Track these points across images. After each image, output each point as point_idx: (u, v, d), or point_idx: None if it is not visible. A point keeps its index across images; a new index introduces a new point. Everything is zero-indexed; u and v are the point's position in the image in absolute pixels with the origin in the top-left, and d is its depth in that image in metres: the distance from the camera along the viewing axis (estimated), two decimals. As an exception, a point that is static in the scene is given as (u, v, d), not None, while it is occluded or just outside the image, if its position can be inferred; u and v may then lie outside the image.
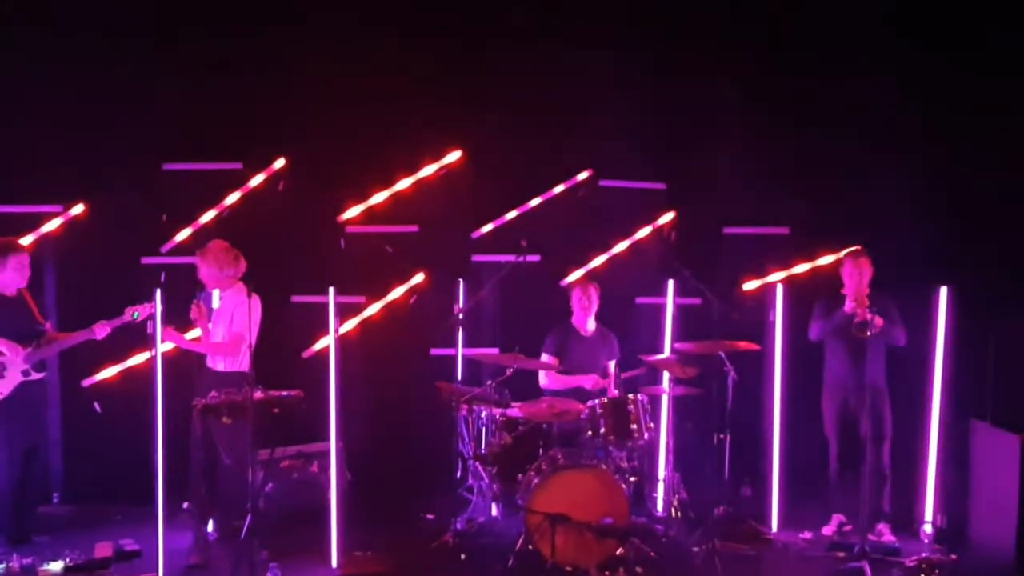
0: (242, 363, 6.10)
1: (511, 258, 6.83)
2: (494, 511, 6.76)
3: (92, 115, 7.10)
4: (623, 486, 6.01)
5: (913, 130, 7.42)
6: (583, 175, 7.84)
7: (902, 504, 6.65)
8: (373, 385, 7.36)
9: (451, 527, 6.35)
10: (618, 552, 5.89)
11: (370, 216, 7.68)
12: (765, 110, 7.58)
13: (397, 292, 7.65)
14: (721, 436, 6.67)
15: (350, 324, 7.42)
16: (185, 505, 6.36)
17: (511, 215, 7.76)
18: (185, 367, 6.32)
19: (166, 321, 5.82)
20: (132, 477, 6.36)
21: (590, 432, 6.41)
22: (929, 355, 6.53)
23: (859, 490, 6.15)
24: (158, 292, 5.68)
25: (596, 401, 6.46)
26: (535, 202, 7.80)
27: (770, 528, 6.68)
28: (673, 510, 6.72)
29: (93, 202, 7.25)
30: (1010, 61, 7.31)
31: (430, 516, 6.89)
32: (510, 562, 5.89)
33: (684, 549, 6.22)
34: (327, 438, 6.02)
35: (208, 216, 7.41)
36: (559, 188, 7.82)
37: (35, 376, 6.22)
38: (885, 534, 6.46)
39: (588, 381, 6.87)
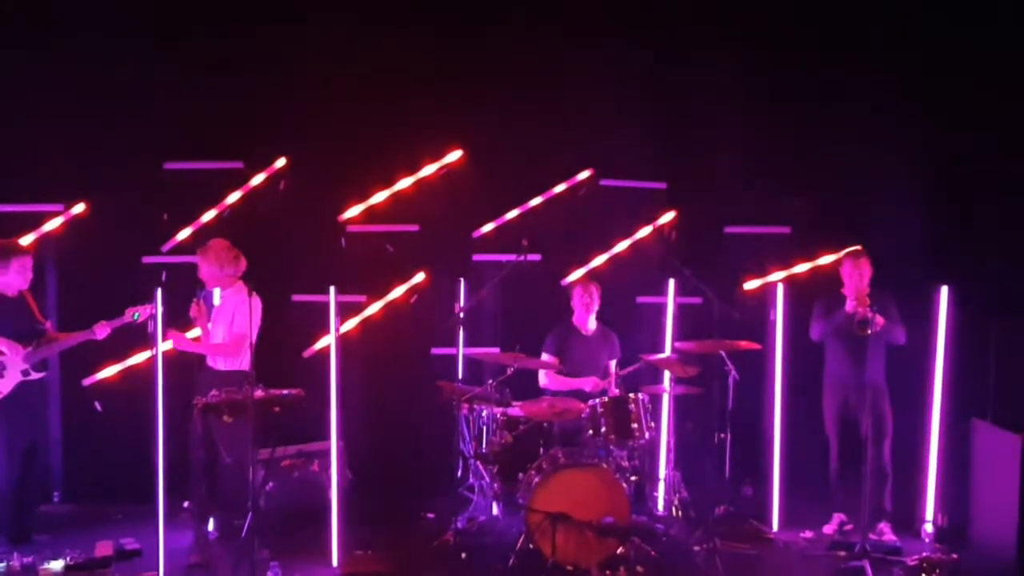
0: (242, 362, 6.10)
1: (512, 257, 6.82)
2: (495, 510, 6.75)
3: (93, 114, 7.10)
4: (624, 485, 6.00)
5: (914, 129, 7.42)
6: (584, 174, 7.84)
7: (903, 503, 6.65)
8: (374, 384, 7.36)
9: (452, 526, 6.34)
10: (619, 551, 5.89)
11: (371, 215, 7.68)
12: (766, 109, 7.57)
13: (398, 291, 7.65)
14: (722, 435, 6.68)
15: (351, 323, 7.43)
16: (186, 504, 6.36)
17: (512, 214, 7.77)
18: (186, 366, 6.34)
19: (168, 322, 5.82)
20: (133, 476, 6.36)
21: (591, 431, 6.41)
22: (930, 354, 6.53)
23: (860, 489, 6.15)
24: (159, 291, 5.69)
25: (597, 400, 6.46)
26: (536, 201, 7.80)
27: (771, 527, 6.68)
28: (674, 509, 6.73)
29: (94, 201, 7.25)
30: (1012, 63, 7.30)
31: (431, 515, 6.89)
32: (511, 561, 5.89)
33: (685, 548, 6.22)
34: (328, 437, 6.02)
35: (209, 215, 7.41)
36: (560, 187, 7.83)
37: (35, 376, 6.22)
38: (886, 533, 6.46)
39: (588, 384, 6.86)
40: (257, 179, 7.53)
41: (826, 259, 7.51)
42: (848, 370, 6.49)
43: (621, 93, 7.61)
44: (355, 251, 7.59)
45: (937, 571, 5.88)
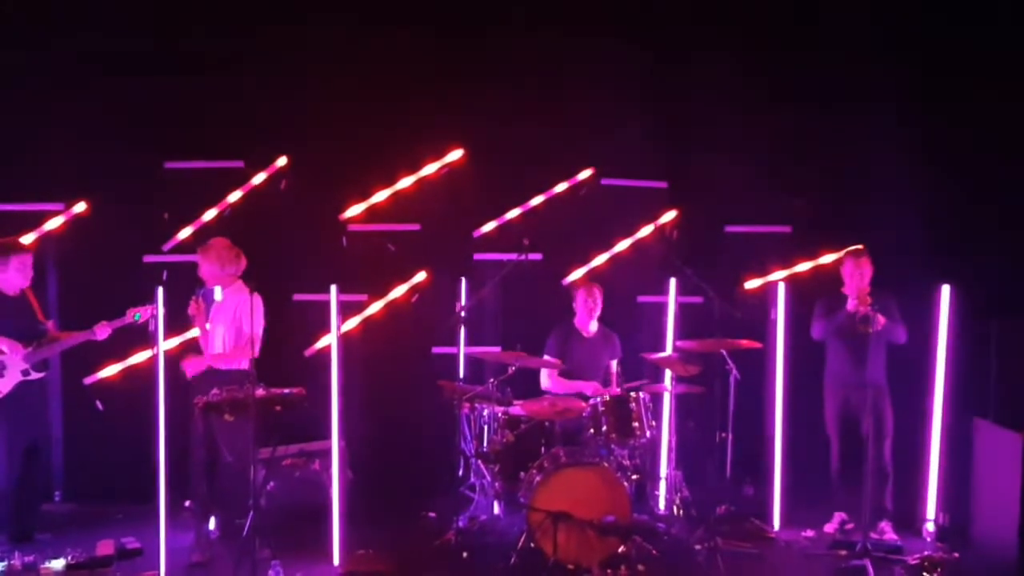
0: (242, 361, 6.10)
1: (513, 256, 6.81)
2: (496, 509, 6.75)
3: (93, 114, 7.10)
4: (625, 484, 6.00)
5: (914, 128, 7.40)
6: (585, 174, 7.84)
7: (904, 502, 6.65)
8: (375, 383, 7.35)
9: (453, 525, 6.33)
10: (620, 550, 5.88)
11: (372, 214, 7.68)
12: (766, 109, 7.57)
13: (399, 290, 7.65)
14: (723, 434, 6.69)
15: (352, 322, 7.42)
16: (187, 503, 6.36)
17: (513, 213, 7.77)
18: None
19: (169, 322, 5.81)
20: (134, 475, 6.35)
21: (592, 430, 6.41)
22: (931, 353, 6.52)
23: (861, 488, 6.14)
24: (160, 290, 5.69)
25: (598, 399, 6.46)
26: (537, 200, 7.80)
27: (772, 526, 6.68)
28: (675, 508, 6.73)
29: (95, 200, 7.26)
30: (1012, 63, 7.30)
31: (432, 514, 6.88)
32: (512, 560, 5.89)
33: (686, 547, 6.21)
34: (329, 436, 6.02)
35: (210, 215, 7.42)
36: (561, 187, 7.83)
37: (35, 375, 6.22)
38: (887, 532, 6.46)
39: (589, 388, 6.85)
40: (258, 178, 7.54)
41: (827, 258, 7.51)
42: (849, 369, 6.49)
43: (622, 92, 7.61)
44: (356, 250, 7.59)
45: (938, 570, 5.88)
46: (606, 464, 6.06)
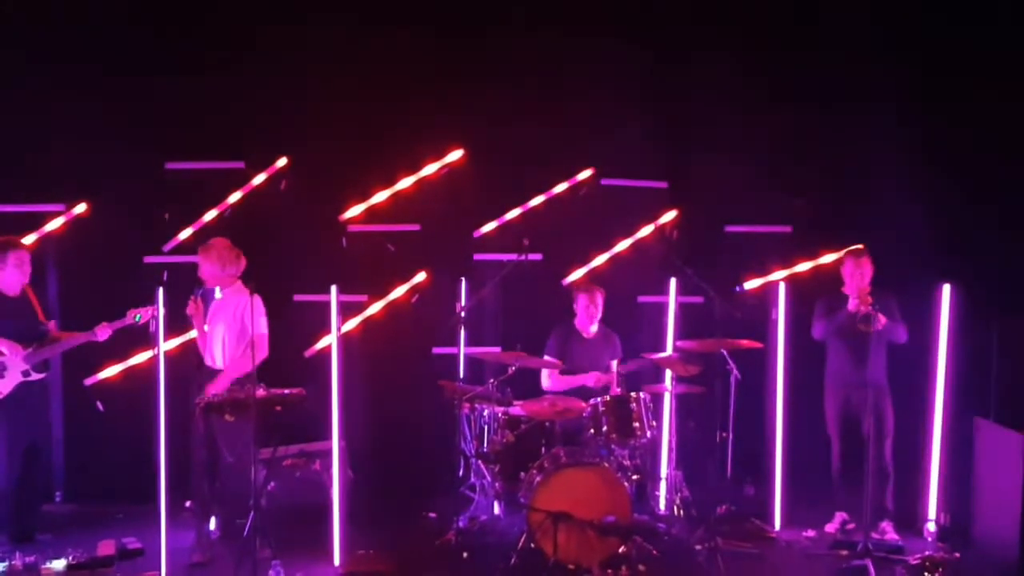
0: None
1: (513, 257, 6.81)
2: (496, 509, 6.75)
3: (94, 114, 7.09)
4: (625, 484, 5.99)
5: (915, 128, 7.41)
6: (585, 174, 7.84)
7: (905, 502, 6.64)
8: (375, 384, 7.35)
9: (453, 525, 6.33)
10: (620, 550, 5.88)
11: (372, 215, 7.68)
12: (766, 109, 7.57)
13: (399, 291, 7.65)
14: (723, 434, 6.68)
15: (352, 323, 7.42)
16: (188, 503, 6.36)
17: (513, 214, 7.77)
18: (186, 366, 6.32)
19: (169, 322, 5.81)
20: (134, 475, 6.36)
21: (592, 430, 6.40)
22: (932, 353, 6.52)
23: (862, 488, 6.14)
24: (160, 291, 5.68)
25: (598, 399, 6.46)
26: (537, 201, 7.80)
27: (773, 526, 6.67)
28: (676, 508, 6.73)
29: (95, 201, 7.26)
30: (1012, 63, 7.30)
31: (432, 514, 6.88)
32: (512, 560, 5.88)
33: (687, 547, 6.21)
34: (329, 436, 6.02)
35: (210, 215, 7.42)
36: (561, 187, 7.83)
37: (35, 376, 6.22)
38: (888, 532, 6.46)
39: (590, 379, 6.86)
40: (258, 179, 7.54)
41: (827, 258, 7.51)
42: (850, 369, 6.49)
43: (622, 92, 7.61)
44: (356, 251, 7.59)
45: (939, 570, 5.88)
46: (606, 464, 6.05)
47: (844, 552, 6.13)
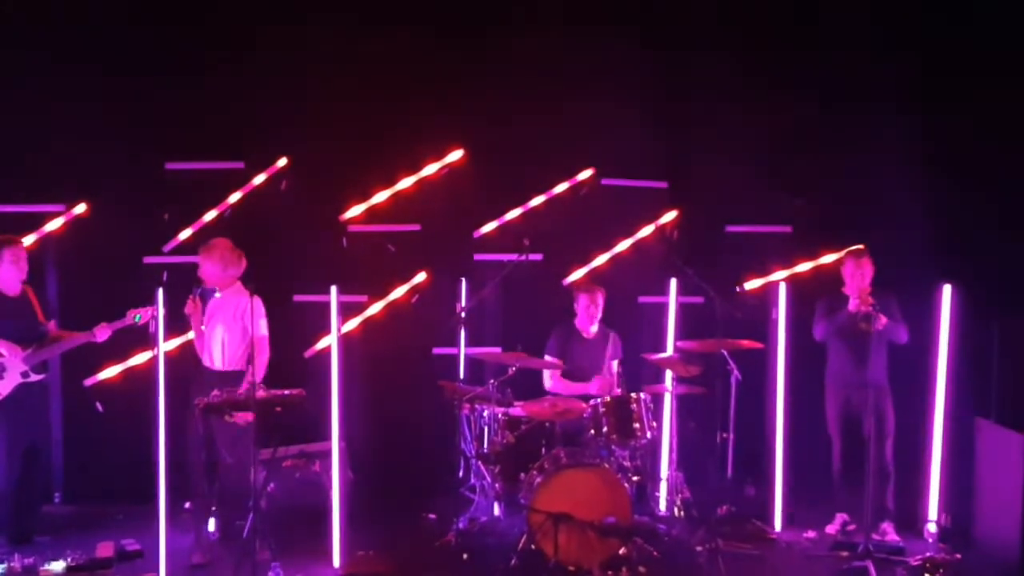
0: (241, 362, 6.09)
1: (513, 257, 6.81)
2: (496, 510, 6.73)
3: (93, 114, 7.08)
4: (626, 485, 5.99)
5: (915, 128, 7.40)
6: (585, 174, 7.84)
7: (906, 503, 6.63)
8: (375, 384, 7.34)
9: (453, 526, 6.33)
10: (621, 551, 5.87)
11: (372, 215, 7.68)
12: (767, 108, 7.56)
13: (399, 291, 7.64)
14: (724, 435, 6.69)
15: (352, 323, 7.41)
16: (187, 505, 6.35)
17: (513, 214, 7.76)
18: (186, 366, 6.32)
19: (169, 323, 5.80)
20: (133, 477, 6.33)
21: (593, 431, 6.39)
22: (932, 353, 6.50)
23: (862, 489, 6.13)
24: (160, 291, 5.68)
25: (599, 400, 6.45)
26: (537, 201, 7.79)
27: (773, 527, 6.66)
28: (676, 509, 6.72)
29: (95, 201, 7.25)
30: (1013, 62, 7.29)
31: (432, 515, 6.87)
32: (512, 562, 5.87)
33: (687, 548, 6.19)
34: (329, 437, 6.01)
35: (210, 215, 7.41)
36: (561, 187, 7.82)
37: (34, 377, 6.21)
38: (889, 533, 6.45)
39: (593, 387, 6.84)
40: (258, 179, 7.53)
41: (828, 258, 7.50)
42: (850, 369, 6.48)
43: (622, 92, 7.59)
44: (356, 251, 7.58)
45: (940, 571, 5.87)
46: (607, 465, 6.04)
47: (845, 553, 6.11)
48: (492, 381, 6.50)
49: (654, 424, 6.55)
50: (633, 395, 6.47)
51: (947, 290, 6.47)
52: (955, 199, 7.35)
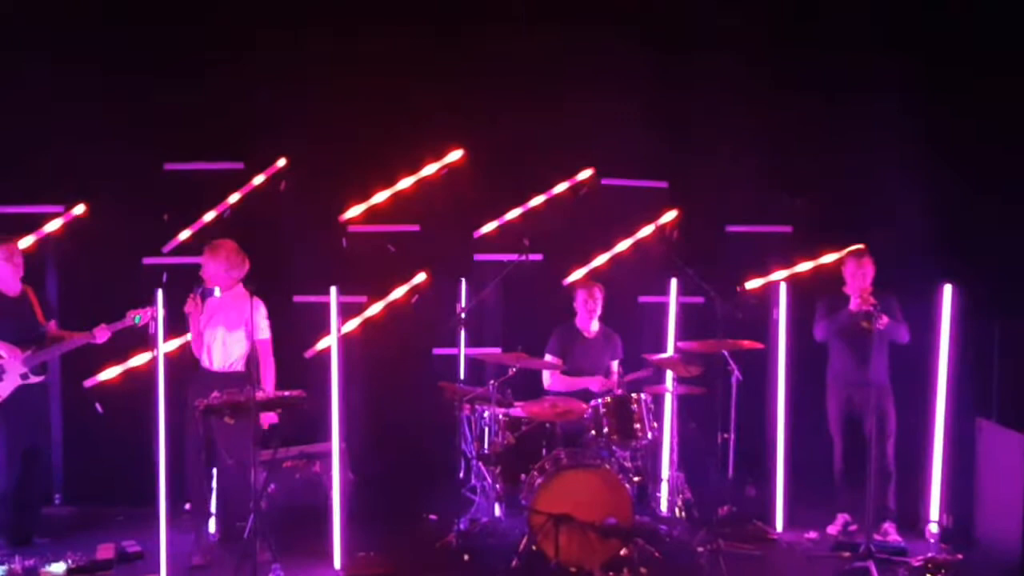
0: (241, 363, 6.09)
1: (513, 257, 6.81)
2: (497, 511, 6.71)
3: (93, 114, 7.08)
4: (627, 486, 5.98)
5: (916, 128, 7.39)
6: (585, 174, 7.83)
7: (908, 503, 6.62)
8: (375, 385, 7.35)
9: (454, 527, 6.33)
10: (622, 552, 5.86)
11: (372, 215, 7.67)
12: (767, 108, 7.56)
13: (399, 292, 7.64)
14: (725, 435, 6.67)
15: (352, 324, 7.41)
16: (187, 506, 6.34)
17: (513, 214, 7.76)
18: (186, 368, 6.31)
19: (169, 324, 5.79)
20: (134, 478, 6.32)
21: (593, 432, 6.39)
22: (934, 353, 6.50)
23: (864, 489, 6.12)
24: (159, 292, 5.67)
25: (599, 400, 6.44)
26: (537, 201, 7.79)
27: (775, 528, 6.66)
28: (677, 510, 6.71)
29: (94, 202, 7.24)
30: (1014, 62, 7.28)
31: (433, 516, 6.87)
32: (513, 563, 5.87)
33: (688, 549, 6.18)
34: (329, 438, 6.00)
35: (210, 216, 7.40)
36: (561, 187, 7.82)
37: (34, 379, 6.20)
38: (891, 533, 6.43)
39: (594, 383, 6.84)
40: (258, 179, 7.53)
41: (828, 258, 7.49)
42: (852, 369, 6.48)
43: (622, 92, 7.59)
44: (356, 251, 7.58)
45: (942, 571, 5.87)
46: (607, 466, 6.04)
47: (846, 554, 6.10)
48: (492, 382, 6.49)
49: (655, 425, 6.54)
50: (634, 395, 6.46)
51: (948, 290, 6.47)
52: (956, 199, 7.34)
